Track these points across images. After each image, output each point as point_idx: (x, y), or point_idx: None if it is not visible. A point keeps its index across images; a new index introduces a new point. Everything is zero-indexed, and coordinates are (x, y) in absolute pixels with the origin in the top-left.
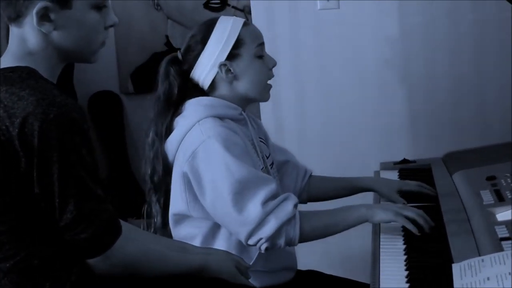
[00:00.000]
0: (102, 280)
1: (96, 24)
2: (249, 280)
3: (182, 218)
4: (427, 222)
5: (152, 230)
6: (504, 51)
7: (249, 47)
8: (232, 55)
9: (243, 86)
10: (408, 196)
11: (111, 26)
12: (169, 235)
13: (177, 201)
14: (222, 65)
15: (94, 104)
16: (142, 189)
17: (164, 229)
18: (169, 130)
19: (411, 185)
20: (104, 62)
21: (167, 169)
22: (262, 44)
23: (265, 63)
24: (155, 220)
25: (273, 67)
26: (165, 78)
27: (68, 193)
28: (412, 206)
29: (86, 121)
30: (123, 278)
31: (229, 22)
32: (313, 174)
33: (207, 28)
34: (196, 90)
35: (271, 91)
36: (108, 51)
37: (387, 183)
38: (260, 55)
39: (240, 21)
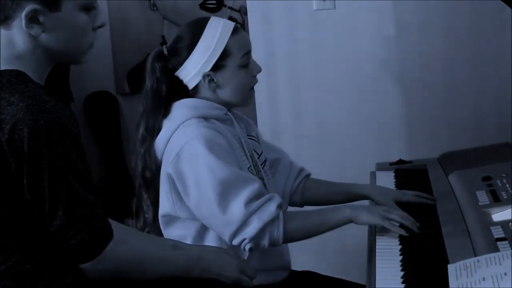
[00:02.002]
0: (99, 283)
1: (85, 25)
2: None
3: (171, 219)
4: (412, 224)
5: (141, 224)
6: (500, 51)
7: (235, 58)
8: (217, 66)
9: (225, 94)
10: (405, 206)
11: (100, 27)
12: (159, 231)
13: (164, 202)
14: (205, 75)
15: (90, 104)
16: None
17: (154, 225)
18: (160, 127)
19: (409, 195)
20: (100, 62)
21: (158, 166)
22: (248, 52)
23: (249, 71)
24: (146, 215)
25: (258, 73)
26: (152, 75)
27: (58, 199)
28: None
29: (77, 127)
30: (120, 280)
31: (217, 29)
32: (311, 177)
33: (195, 33)
34: (181, 88)
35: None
36: (104, 52)
37: (384, 192)
38: (246, 64)
39: (229, 28)
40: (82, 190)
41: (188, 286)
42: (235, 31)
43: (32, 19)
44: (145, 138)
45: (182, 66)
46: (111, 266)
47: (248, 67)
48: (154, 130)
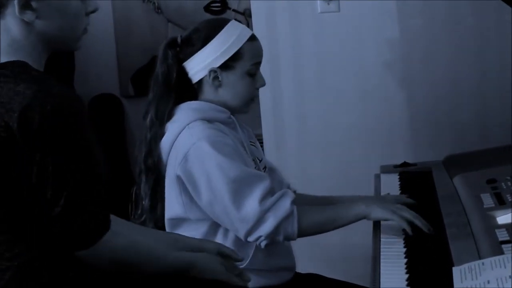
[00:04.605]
0: (100, 280)
1: (78, 10)
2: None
3: (178, 222)
4: (424, 224)
5: (139, 212)
6: (504, 53)
7: (245, 63)
8: (226, 65)
9: (225, 95)
10: (409, 208)
11: (92, 12)
12: (157, 219)
13: (173, 205)
14: (212, 71)
15: (95, 107)
16: None
17: (152, 213)
18: (170, 116)
19: (387, 199)
20: (105, 64)
21: (160, 157)
22: (259, 63)
23: (254, 81)
24: (144, 202)
25: (261, 87)
26: (164, 61)
27: (61, 186)
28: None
29: (85, 111)
30: (121, 278)
31: (236, 31)
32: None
33: (213, 29)
34: (185, 81)
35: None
36: (109, 54)
37: (365, 201)
38: (253, 73)
39: (247, 34)
40: (86, 178)
41: (188, 286)
42: (252, 38)
43: (24, 5)
44: (154, 124)
45: (193, 57)
46: (104, 256)
47: (254, 78)
48: (163, 117)
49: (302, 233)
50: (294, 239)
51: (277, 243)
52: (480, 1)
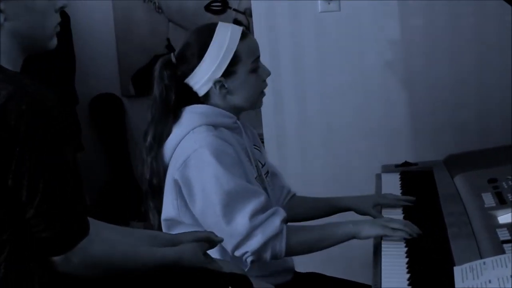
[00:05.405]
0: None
1: (46, 8)
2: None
3: (173, 224)
4: (413, 231)
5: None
6: (505, 53)
7: (245, 63)
8: (228, 72)
9: (236, 99)
10: (411, 209)
11: (62, 8)
12: None
13: (169, 207)
14: (216, 81)
15: (96, 106)
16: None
17: (158, 230)
18: (167, 136)
19: (388, 198)
20: (106, 64)
21: (165, 171)
22: (258, 58)
23: (259, 75)
24: (152, 222)
25: (267, 77)
26: (160, 82)
27: (34, 188)
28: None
29: (61, 111)
30: (117, 279)
31: (226, 35)
32: (296, 194)
33: (204, 40)
34: (191, 94)
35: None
36: (110, 54)
37: (363, 200)
38: (255, 69)
39: (237, 32)
40: (62, 181)
41: (182, 281)
42: (243, 36)
43: None
44: (152, 147)
45: (192, 73)
46: (79, 264)
47: (258, 72)
48: (162, 138)
49: (289, 252)
50: (281, 257)
51: (263, 261)
52: (481, 1)
